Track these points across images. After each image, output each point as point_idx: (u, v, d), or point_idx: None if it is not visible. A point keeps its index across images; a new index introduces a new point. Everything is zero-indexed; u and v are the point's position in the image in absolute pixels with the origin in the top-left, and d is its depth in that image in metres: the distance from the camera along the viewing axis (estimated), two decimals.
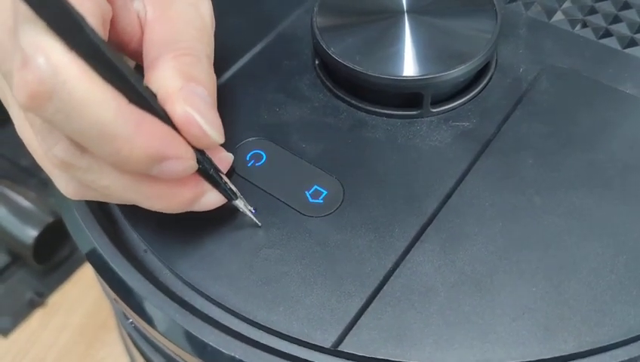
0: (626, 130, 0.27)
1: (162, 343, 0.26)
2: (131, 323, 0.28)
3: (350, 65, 0.27)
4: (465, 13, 0.29)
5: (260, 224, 0.25)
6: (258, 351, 0.22)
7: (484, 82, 0.29)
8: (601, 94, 0.28)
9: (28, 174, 0.45)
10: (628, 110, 0.28)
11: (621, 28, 0.31)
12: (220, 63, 0.31)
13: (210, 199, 0.24)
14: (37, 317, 0.44)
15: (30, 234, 0.40)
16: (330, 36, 0.28)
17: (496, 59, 0.30)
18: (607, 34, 0.31)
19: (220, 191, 0.24)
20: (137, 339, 0.30)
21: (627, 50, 0.30)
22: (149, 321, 0.24)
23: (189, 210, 0.24)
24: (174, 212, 0.24)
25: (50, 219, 0.41)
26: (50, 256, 0.43)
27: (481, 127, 0.28)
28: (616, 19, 0.31)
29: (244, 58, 0.31)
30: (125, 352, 0.40)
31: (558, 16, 0.32)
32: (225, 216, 0.25)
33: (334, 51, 0.28)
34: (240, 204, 0.25)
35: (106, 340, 0.42)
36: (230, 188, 0.24)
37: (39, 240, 0.40)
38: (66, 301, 0.45)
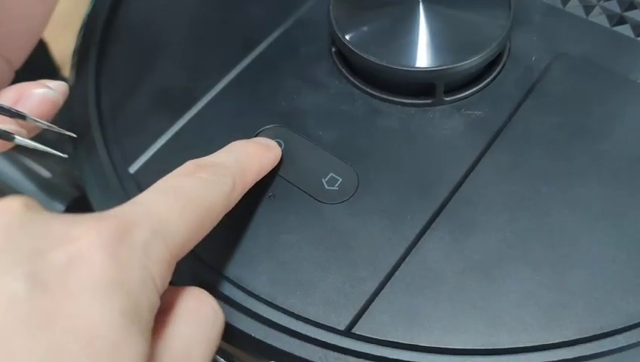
0: (636, 122, 0.28)
1: None
2: None
3: (365, 56, 0.28)
4: (479, 1, 0.29)
5: (64, 155, 0.26)
6: (276, 332, 0.24)
7: (497, 71, 0.29)
8: (613, 84, 0.29)
9: (51, 147, 0.47)
10: (639, 101, 0.28)
11: (636, 15, 0.31)
12: (239, 50, 0.32)
13: None
14: None
15: (57, 208, 0.41)
16: (347, 25, 0.29)
17: (509, 47, 0.30)
18: (622, 21, 0.31)
19: None
20: None
21: None
22: None
23: None
24: None
25: (76, 193, 0.42)
26: None
27: (493, 116, 0.28)
28: (631, 6, 0.31)
29: (262, 44, 0.32)
30: None
31: (573, 2, 0.32)
32: (245, 203, 0.27)
33: (350, 40, 0.29)
34: (24, 141, 0.24)
35: None
36: (3, 131, 0.23)
37: (66, 213, 0.41)
38: None
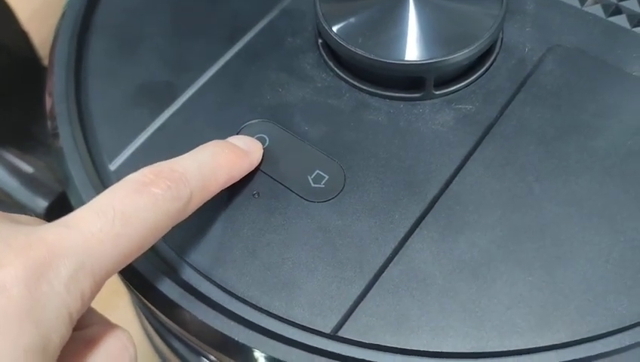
0: (631, 115, 0.27)
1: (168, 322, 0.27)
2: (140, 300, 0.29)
3: (352, 48, 0.27)
4: None
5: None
6: (260, 336, 0.23)
7: (489, 63, 0.29)
8: (607, 76, 0.28)
9: (35, 141, 0.46)
10: (633, 94, 0.27)
11: (632, 5, 0.30)
12: (223, 41, 0.31)
13: None
14: None
15: (41, 204, 0.40)
16: (334, 16, 0.28)
17: (502, 38, 0.29)
18: (618, 11, 0.30)
19: None
20: (146, 312, 0.32)
21: (637, 30, 0.29)
22: (154, 303, 0.25)
23: None
24: None
25: (59, 189, 0.41)
26: None
27: (484, 110, 0.28)
28: None
29: (246, 36, 0.31)
30: (136, 317, 0.41)
31: None
32: (228, 201, 0.26)
33: (337, 33, 0.28)
34: None
35: (118, 305, 0.43)
36: None
37: (50, 209, 0.41)
38: None
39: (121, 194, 0.21)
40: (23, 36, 0.48)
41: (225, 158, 0.24)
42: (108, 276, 0.20)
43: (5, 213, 0.21)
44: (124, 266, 0.20)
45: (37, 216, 0.41)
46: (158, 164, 0.22)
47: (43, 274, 0.18)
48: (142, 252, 0.21)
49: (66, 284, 0.18)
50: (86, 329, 0.21)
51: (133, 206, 0.20)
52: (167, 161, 0.23)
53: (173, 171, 0.22)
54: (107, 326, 0.22)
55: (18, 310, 0.17)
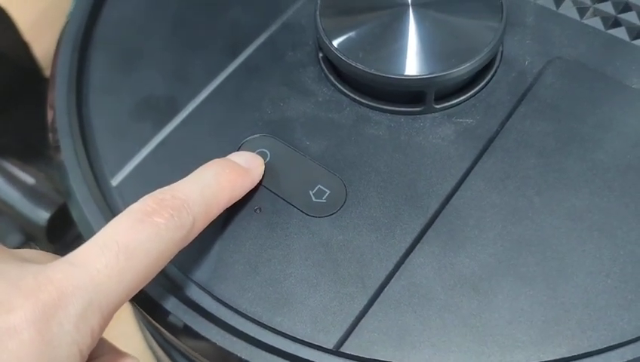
0: (630, 128, 0.27)
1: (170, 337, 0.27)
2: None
3: (353, 63, 0.27)
4: (470, 5, 0.29)
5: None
6: (262, 351, 0.23)
7: (489, 77, 0.29)
8: (606, 89, 0.28)
9: (36, 152, 0.46)
10: (633, 107, 0.28)
11: (631, 17, 0.30)
12: (224, 55, 0.31)
13: None
14: None
15: (42, 216, 0.40)
16: (334, 30, 0.28)
17: (502, 52, 0.29)
18: (617, 24, 0.30)
19: None
20: (148, 326, 0.32)
21: (636, 42, 0.29)
22: (156, 319, 0.25)
23: None
24: None
25: (61, 200, 0.41)
26: (64, 234, 0.44)
27: (485, 123, 0.28)
28: (626, 8, 0.30)
29: (248, 49, 0.31)
30: (138, 331, 0.41)
31: (567, 4, 0.31)
32: (230, 217, 0.26)
33: (337, 47, 0.28)
34: None
35: (121, 318, 0.43)
36: None
37: (52, 220, 0.41)
38: None
39: (124, 226, 0.21)
40: (23, 46, 0.49)
41: (226, 179, 0.24)
42: (116, 309, 0.20)
43: (12, 251, 0.21)
44: (130, 298, 0.21)
45: (39, 227, 0.42)
46: (159, 191, 0.22)
47: (53, 315, 0.18)
48: (148, 281, 0.21)
49: (76, 323, 0.18)
50: (96, 359, 0.21)
51: (136, 238, 0.20)
52: (169, 187, 0.23)
53: (175, 198, 0.22)
54: (117, 355, 0.22)
55: (30, 353, 0.17)
